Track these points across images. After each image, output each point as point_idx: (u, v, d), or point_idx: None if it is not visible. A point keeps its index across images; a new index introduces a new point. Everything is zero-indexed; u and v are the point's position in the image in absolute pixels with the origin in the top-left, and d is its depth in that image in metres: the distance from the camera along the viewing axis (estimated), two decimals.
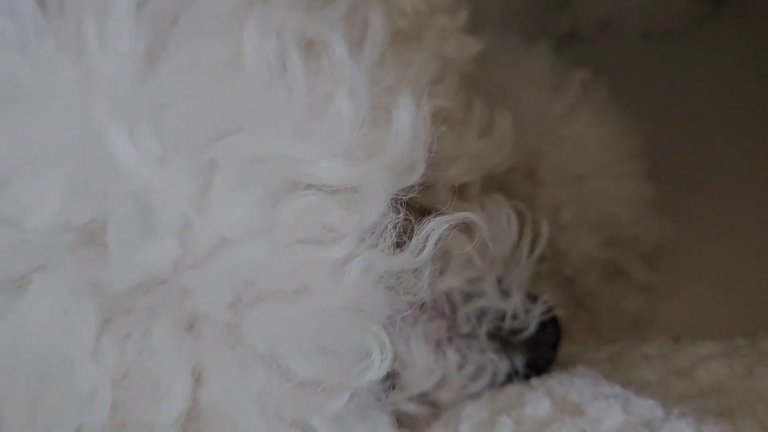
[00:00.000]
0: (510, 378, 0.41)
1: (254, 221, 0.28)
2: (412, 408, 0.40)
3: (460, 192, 0.43)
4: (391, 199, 0.31)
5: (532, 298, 0.41)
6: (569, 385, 0.37)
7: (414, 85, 0.35)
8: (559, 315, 0.42)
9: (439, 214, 0.33)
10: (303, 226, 0.29)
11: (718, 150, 0.70)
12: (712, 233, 0.62)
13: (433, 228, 0.31)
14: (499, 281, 0.41)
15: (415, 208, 0.40)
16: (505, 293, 0.40)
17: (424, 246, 0.31)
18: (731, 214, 0.63)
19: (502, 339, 0.40)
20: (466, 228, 0.40)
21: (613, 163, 0.58)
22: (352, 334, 0.29)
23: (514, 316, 0.39)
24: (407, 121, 0.30)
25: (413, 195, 0.33)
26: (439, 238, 0.31)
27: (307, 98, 0.29)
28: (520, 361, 0.40)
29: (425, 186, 0.38)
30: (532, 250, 0.41)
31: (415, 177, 0.32)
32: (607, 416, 0.33)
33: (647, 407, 0.34)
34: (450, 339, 0.40)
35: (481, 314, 0.40)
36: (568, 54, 1.01)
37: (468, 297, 0.40)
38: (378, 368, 0.29)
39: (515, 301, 0.40)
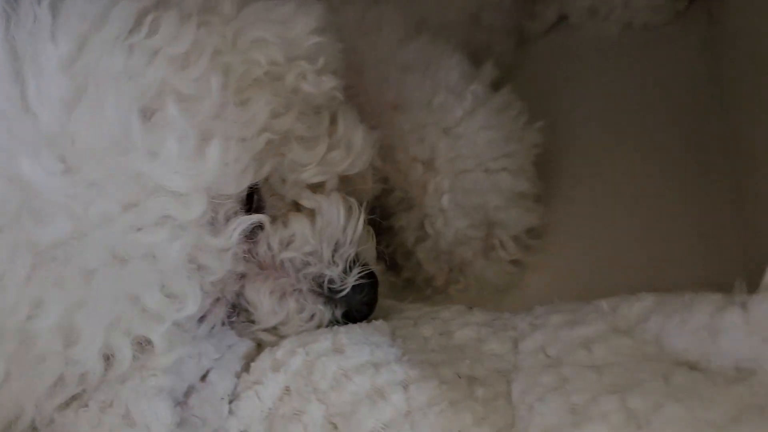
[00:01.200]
0: (332, 323, 0.58)
1: (121, 211, 0.46)
2: (265, 336, 0.58)
3: (317, 187, 0.59)
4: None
5: (352, 267, 0.57)
6: (349, 332, 0.53)
7: (254, 119, 0.51)
8: (376, 279, 0.58)
9: (252, 215, 0.50)
10: (153, 215, 0.46)
11: (618, 146, 0.81)
12: (580, 220, 0.75)
13: (237, 225, 0.48)
14: (332, 254, 0.57)
15: (282, 199, 0.57)
16: (332, 263, 0.57)
17: (231, 234, 0.49)
18: (601, 205, 0.75)
19: (326, 295, 0.57)
20: (311, 215, 0.57)
21: (494, 160, 0.72)
22: (177, 285, 0.47)
23: (332, 281, 0.56)
24: (215, 154, 0.46)
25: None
26: (243, 231, 0.49)
27: (152, 141, 0.46)
28: (338, 312, 0.57)
29: (284, 182, 0.55)
30: (353, 234, 0.58)
31: (235, 187, 0.49)
32: (356, 355, 0.50)
33: (387, 353, 0.50)
34: (291, 292, 0.57)
35: (313, 277, 0.57)
36: (556, 37, 1.12)
37: (305, 264, 0.56)
38: (189, 308, 0.47)
39: (338, 269, 0.56)
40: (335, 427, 0.48)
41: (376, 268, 0.60)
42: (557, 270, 0.73)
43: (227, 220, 0.50)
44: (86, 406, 0.48)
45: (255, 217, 0.50)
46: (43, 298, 0.45)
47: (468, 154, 0.72)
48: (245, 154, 0.49)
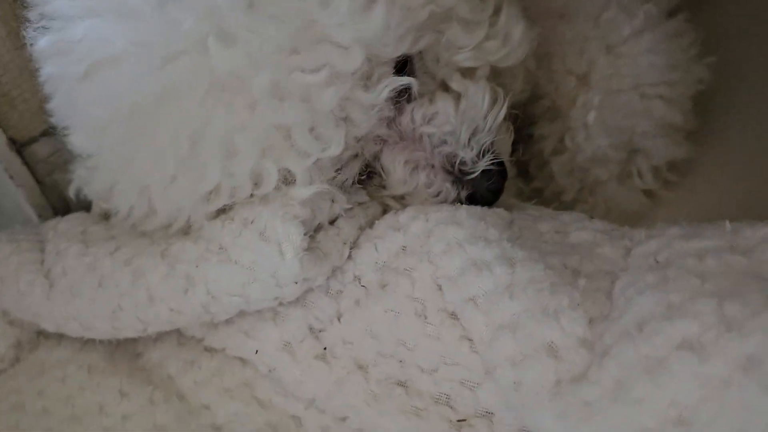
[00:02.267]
0: (456, 203, 0.61)
1: (289, 52, 0.50)
2: (392, 203, 0.63)
3: (468, 72, 0.61)
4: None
5: (485, 153, 0.59)
6: (470, 210, 0.56)
7: None
8: (506, 170, 0.60)
9: (403, 77, 0.53)
10: (316, 61, 0.51)
11: None
12: (726, 165, 0.72)
13: (387, 84, 0.52)
14: (469, 138, 0.60)
15: (433, 77, 0.60)
16: (467, 146, 0.59)
17: (381, 92, 0.52)
18: (751, 156, 0.72)
19: (456, 175, 0.60)
20: (457, 98, 0.59)
21: (652, 85, 0.70)
22: (325, 129, 0.52)
23: (464, 162, 0.59)
24: (380, 15, 0.50)
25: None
26: (391, 90, 0.53)
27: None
28: (464, 194, 0.60)
29: (438, 61, 0.58)
30: (493, 122, 0.59)
31: (392, 51, 0.52)
32: (472, 229, 0.53)
33: (501, 233, 0.53)
34: (424, 166, 0.60)
35: (447, 155, 0.60)
36: None
37: (441, 142, 0.59)
38: (332, 150, 0.52)
39: (472, 153, 0.59)
40: (440, 287, 0.52)
41: (508, 159, 0.62)
42: (690, 210, 0.72)
43: (379, 79, 0.54)
44: (232, 219, 0.54)
45: (405, 79, 0.53)
46: (212, 117, 0.51)
47: (626, 74, 0.71)
48: (407, 21, 0.52)
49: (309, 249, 0.53)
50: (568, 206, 0.76)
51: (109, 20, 0.51)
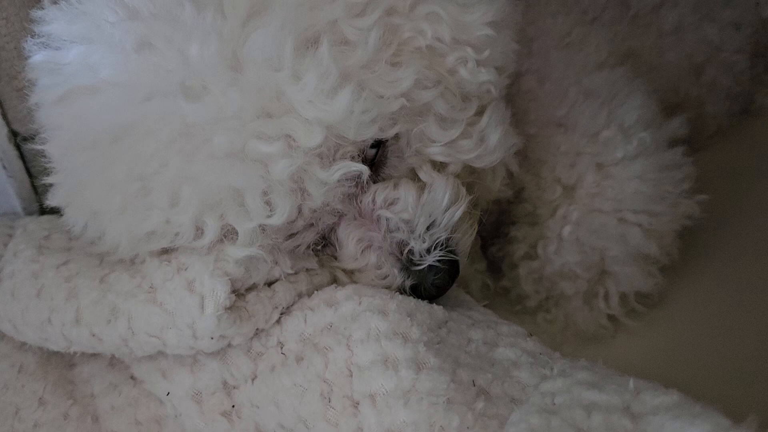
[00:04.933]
0: (401, 291, 0.61)
1: (255, 116, 0.52)
2: (341, 276, 0.63)
3: (440, 165, 0.62)
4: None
5: (437, 247, 0.59)
6: (403, 302, 0.56)
7: (397, 82, 0.55)
8: (457, 268, 0.60)
9: (358, 164, 0.54)
10: (278, 130, 0.51)
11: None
12: (700, 307, 0.70)
13: (339, 168, 0.53)
14: (425, 230, 0.60)
15: (404, 163, 0.60)
16: (421, 237, 0.59)
17: (333, 173, 0.53)
18: (727, 302, 0.69)
19: (404, 263, 0.60)
20: (422, 188, 0.60)
21: (634, 212, 0.69)
22: (276, 196, 0.52)
23: (412, 252, 0.59)
24: (345, 100, 0.50)
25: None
26: (342, 175, 0.53)
27: (299, 69, 0.51)
28: (408, 283, 0.60)
29: (410, 148, 0.59)
30: (450, 219, 0.59)
31: (354, 135, 0.53)
32: (395, 323, 0.53)
33: (422, 334, 0.53)
34: (376, 248, 0.60)
35: (399, 243, 0.60)
36: None
37: (397, 228, 0.60)
38: (275, 219, 0.52)
39: (423, 245, 0.59)
40: (351, 374, 0.52)
41: (463, 260, 0.61)
42: (651, 344, 0.70)
43: (342, 157, 0.54)
44: (169, 262, 0.56)
45: (358, 166, 0.54)
46: (168, 162, 0.52)
47: (610, 196, 0.70)
48: (375, 110, 0.53)
49: (234, 308, 0.54)
50: (531, 312, 0.75)
51: (98, 50, 0.54)
